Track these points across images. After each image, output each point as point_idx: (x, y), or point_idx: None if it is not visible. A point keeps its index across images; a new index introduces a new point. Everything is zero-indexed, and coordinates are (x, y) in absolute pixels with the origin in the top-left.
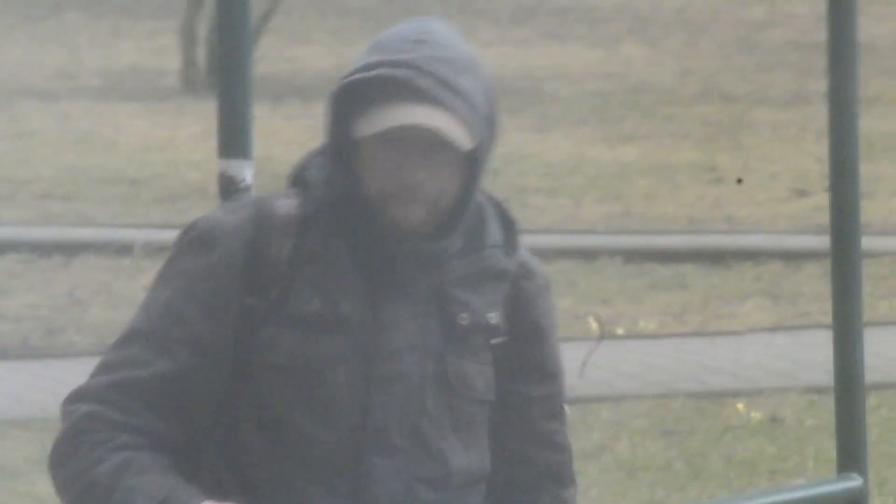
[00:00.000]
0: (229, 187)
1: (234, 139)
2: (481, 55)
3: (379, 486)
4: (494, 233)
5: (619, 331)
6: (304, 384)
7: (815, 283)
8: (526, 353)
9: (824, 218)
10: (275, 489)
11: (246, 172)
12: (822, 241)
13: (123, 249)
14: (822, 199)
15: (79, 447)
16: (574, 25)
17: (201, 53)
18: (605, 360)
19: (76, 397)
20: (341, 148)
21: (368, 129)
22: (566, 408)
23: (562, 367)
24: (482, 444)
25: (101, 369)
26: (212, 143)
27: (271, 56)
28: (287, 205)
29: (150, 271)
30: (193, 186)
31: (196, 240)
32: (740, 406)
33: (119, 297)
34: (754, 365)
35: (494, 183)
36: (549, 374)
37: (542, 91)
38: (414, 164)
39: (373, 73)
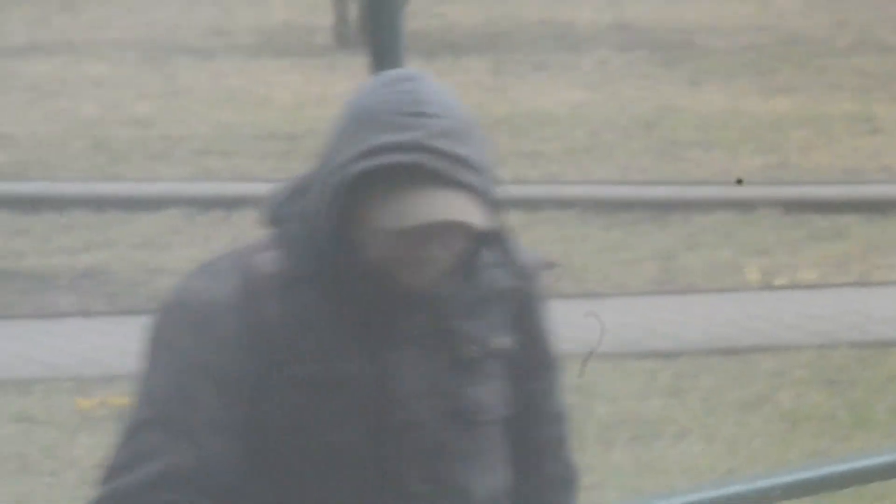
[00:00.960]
0: None
1: None
2: (634, 10)
3: None
4: (486, 251)
5: (779, 281)
6: (312, 446)
7: None
8: (533, 352)
9: None
10: None
11: None
12: None
13: None
14: None
15: None
16: None
17: (353, 9)
18: (766, 310)
19: None
20: (338, 221)
21: (388, 222)
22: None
23: (556, 342)
24: (502, 458)
25: (119, 469)
26: None
27: (422, 12)
28: (269, 261)
29: None
30: None
31: (189, 318)
32: None
33: None
34: None
35: (649, 136)
36: (551, 360)
37: (694, 44)
38: (431, 246)
39: (384, 160)
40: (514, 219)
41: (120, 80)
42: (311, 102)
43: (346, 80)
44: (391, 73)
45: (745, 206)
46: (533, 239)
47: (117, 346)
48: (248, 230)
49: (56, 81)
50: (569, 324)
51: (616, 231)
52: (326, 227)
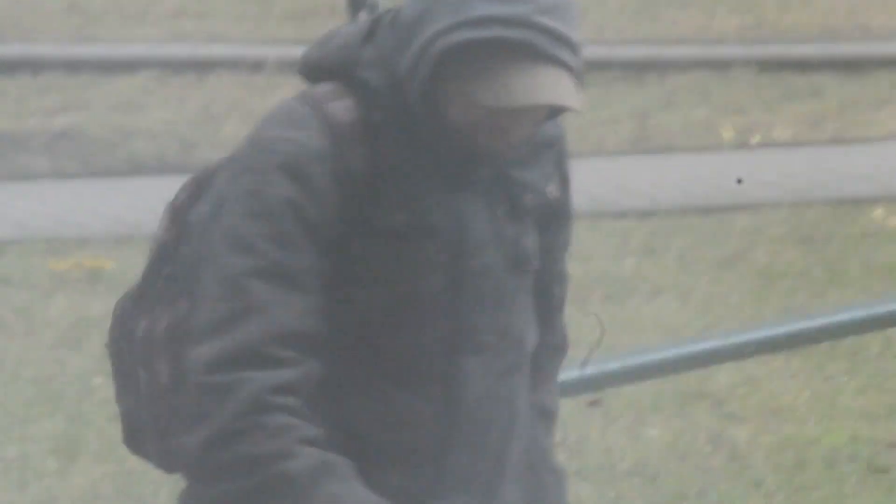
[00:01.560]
0: (358, 0)
1: None
2: None
3: (470, 386)
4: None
5: (755, 139)
6: (398, 295)
7: None
8: (561, 203)
9: None
10: (366, 401)
11: None
12: None
13: (256, 66)
14: None
15: (259, 430)
16: None
17: None
18: (741, 169)
19: (232, 360)
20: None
21: (485, 98)
22: None
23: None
24: (532, 308)
25: (231, 320)
26: None
27: None
28: (346, 109)
29: (283, 87)
30: (324, 2)
31: (281, 164)
32: (878, 212)
33: (252, 113)
34: (892, 171)
35: None
36: (571, 214)
37: None
38: (522, 122)
39: (489, 33)
40: None
41: None
42: None
43: None
44: None
45: (720, 65)
46: None
47: (91, 207)
48: (223, 92)
49: None
50: None
51: (591, 90)
52: (416, 89)
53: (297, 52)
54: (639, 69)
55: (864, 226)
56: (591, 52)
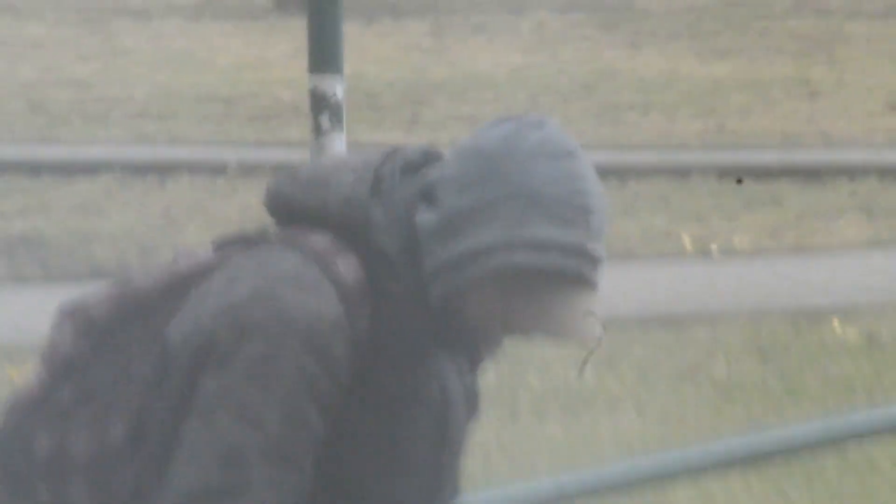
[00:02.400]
0: (320, 103)
1: (324, 54)
2: None
3: None
4: None
5: (715, 248)
6: (387, 459)
7: None
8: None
9: None
10: None
11: (336, 87)
12: None
13: (217, 169)
14: None
15: None
16: None
17: None
18: (700, 278)
19: None
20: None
21: (524, 322)
22: None
23: None
24: None
25: (225, 493)
26: (303, 62)
27: None
28: (351, 268)
29: (244, 191)
30: (286, 104)
31: (303, 340)
32: (836, 324)
33: (213, 215)
34: (850, 282)
35: (588, 99)
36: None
37: (634, 7)
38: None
39: (547, 261)
40: None
41: (59, 41)
42: (249, 65)
43: (285, 43)
44: (545, 133)
45: (681, 172)
46: None
47: (50, 313)
48: (184, 194)
49: None
50: None
51: None
52: (448, 285)
53: (259, 154)
54: (600, 174)
55: (821, 338)
56: None
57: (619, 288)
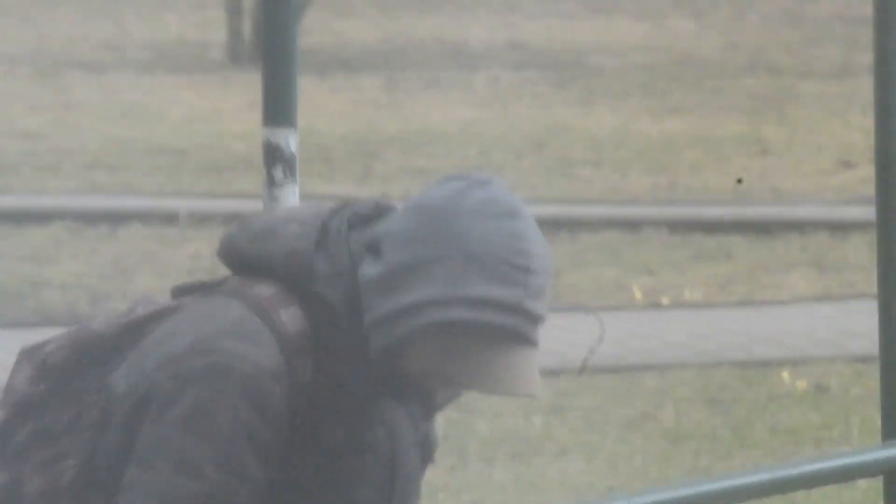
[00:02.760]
0: (274, 155)
1: (278, 107)
2: (528, 30)
3: None
4: None
5: (665, 300)
6: (330, 502)
7: (861, 254)
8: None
9: (870, 189)
10: None
11: (290, 140)
12: (868, 212)
13: (169, 218)
14: (867, 171)
15: None
16: None
17: (247, 25)
18: (651, 329)
19: None
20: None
21: (461, 379)
22: None
23: None
24: None
25: None
26: (257, 115)
27: (317, 29)
28: (294, 318)
29: (195, 241)
30: (239, 157)
31: (238, 387)
32: (785, 375)
33: (165, 264)
34: (800, 334)
35: (540, 155)
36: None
37: (587, 64)
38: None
39: (481, 317)
40: None
41: (10, 92)
42: (202, 118)
43: (239, 96)
44: (489, 192)
45: (632, 225)
46: None
47: None
48: (135, 244)
49: None
50: None
51: None
52: (385, 340)
53: (210, 205)
54: (552, 227)
55: (771, 388)
56: None
57: (569, 337)
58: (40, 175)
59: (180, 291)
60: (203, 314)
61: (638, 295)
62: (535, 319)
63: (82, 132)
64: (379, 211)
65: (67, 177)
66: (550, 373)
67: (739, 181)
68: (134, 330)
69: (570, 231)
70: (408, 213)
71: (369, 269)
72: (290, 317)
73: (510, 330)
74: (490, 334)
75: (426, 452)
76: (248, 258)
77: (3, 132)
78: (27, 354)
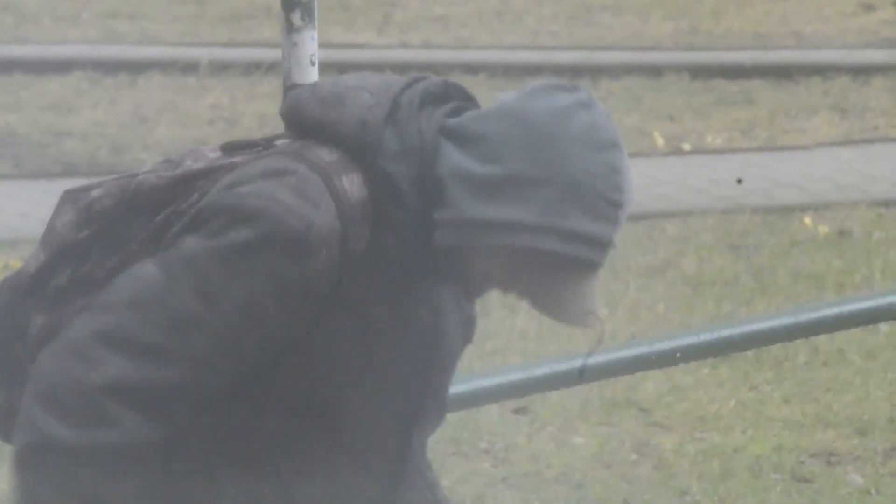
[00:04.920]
0: (291, 4)
1: None
2: None
3: (412, 461)
4: None
5: (686, 146)
6: (365, 375)
7: (884, 97)
8: None
9: (892, 32)
10: (308, 471)
11: None
12: (890, 56)
13: (189, 67)
14: (889, 13)
15: (98, 473)
16: None
17: None
18: (672, 175)
19: (132, 397)
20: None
21: (534, 300)
22: None
23: None
24: None
25: (154, 355)
26: None
27: None
28: (356, 186)
29: (215, 90)
30: (259, 4)
31: (286, 246)
32: (808, 220)
33: (185, 114)
34: (822, 179)
35: (559, 1)
36: None
37: None
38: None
39: (570, 251)
40: None
41: None
42: None
43: None
44: (593, 117)
45: (653, 70)
46: None
47: (22, 209)
48: (156, 94)
49: None
50: None
51: None
52: (461, 241)
53: (231, 53)
54: (572, 74)
55: (793, 234)
56: (524, 57)
57: None
58: (59, 24)
59: (231, 147)
60: (268, 168)
61: (659, 141)
62: (612, 249)
63: None
64: (448, 91)
65: (86, 26)
66: None
67: (739, 181)
68: (184, 182)
69: (591, 77)
70: (509, 120)
71: (461, 163)
72: (352, 184)
73: (592, 262)
74: (572, 265)
75: (467, 332)
76: (313, 123)
77: None
78: (70, 198)
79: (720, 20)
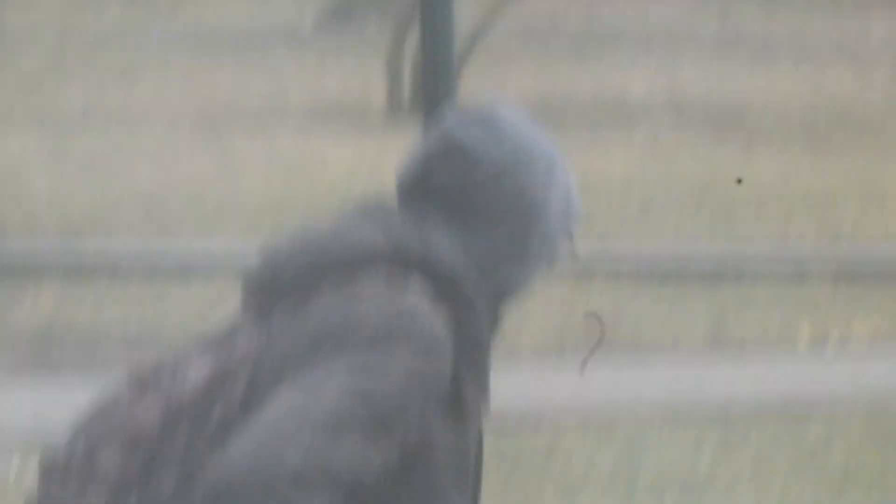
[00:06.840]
0: None
1: None
2: (692, 83)
3: None
4: None
5: (828, 347)
6: (455, 463)
7: None
8: None
9: None
10: None
11: None
12: None
13: None
14: None
15: None
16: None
17: (406, 82)
18: (817, 373)
19: (303, 482)
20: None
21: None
22: None
23: None
24: None
25: (316, 453)
26: None
27: (476, 84)
28: (441, 310)
29: None
30: None
31: (425, 343)
32: None
33: None
34: None
35: (701, 206)
36: None
37: (747, 117)
38: None
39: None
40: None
41: (174, 151)
42: (363, 172)
43: (399, 151)
44: (546, 154)
45: (796, 274)
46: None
47: None
48: None
49: (111, 153)
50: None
51: (669, 290)
52: (516, 295)
53: None
54: (714, 277)
55: None
56: (668, 258)
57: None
58: (204, 233)
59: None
60: (377, 296)
61: (803, 340)
62: None
63: (245, 190)
64: (381, 199)
65: (230, 235)
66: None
67: (739, 181)
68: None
69: (735, 276)
70: (485, 189)
71: (488, 243)
72: (437, 306)
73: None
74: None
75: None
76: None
77: (167, 190)
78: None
79: (862, 221)
